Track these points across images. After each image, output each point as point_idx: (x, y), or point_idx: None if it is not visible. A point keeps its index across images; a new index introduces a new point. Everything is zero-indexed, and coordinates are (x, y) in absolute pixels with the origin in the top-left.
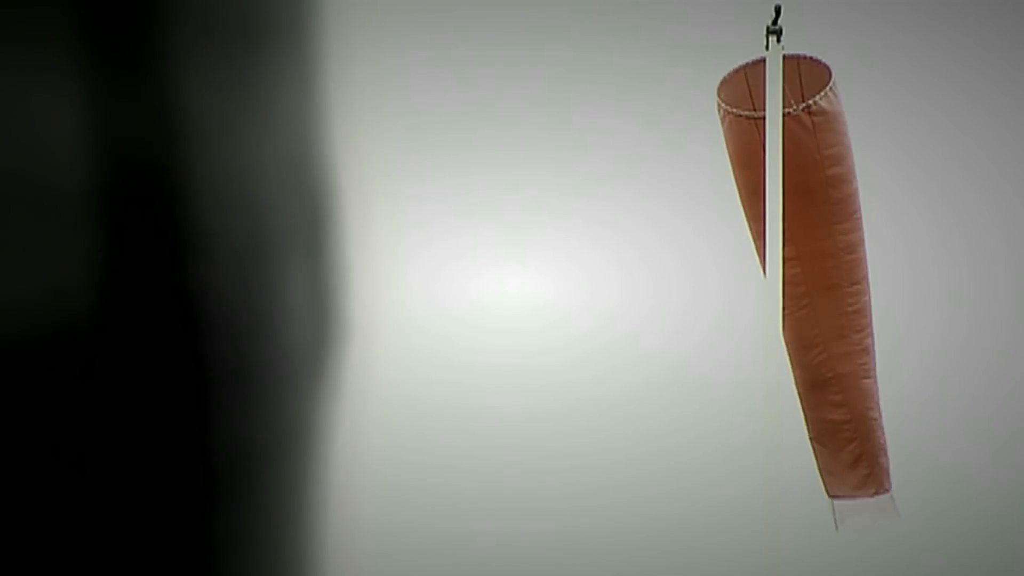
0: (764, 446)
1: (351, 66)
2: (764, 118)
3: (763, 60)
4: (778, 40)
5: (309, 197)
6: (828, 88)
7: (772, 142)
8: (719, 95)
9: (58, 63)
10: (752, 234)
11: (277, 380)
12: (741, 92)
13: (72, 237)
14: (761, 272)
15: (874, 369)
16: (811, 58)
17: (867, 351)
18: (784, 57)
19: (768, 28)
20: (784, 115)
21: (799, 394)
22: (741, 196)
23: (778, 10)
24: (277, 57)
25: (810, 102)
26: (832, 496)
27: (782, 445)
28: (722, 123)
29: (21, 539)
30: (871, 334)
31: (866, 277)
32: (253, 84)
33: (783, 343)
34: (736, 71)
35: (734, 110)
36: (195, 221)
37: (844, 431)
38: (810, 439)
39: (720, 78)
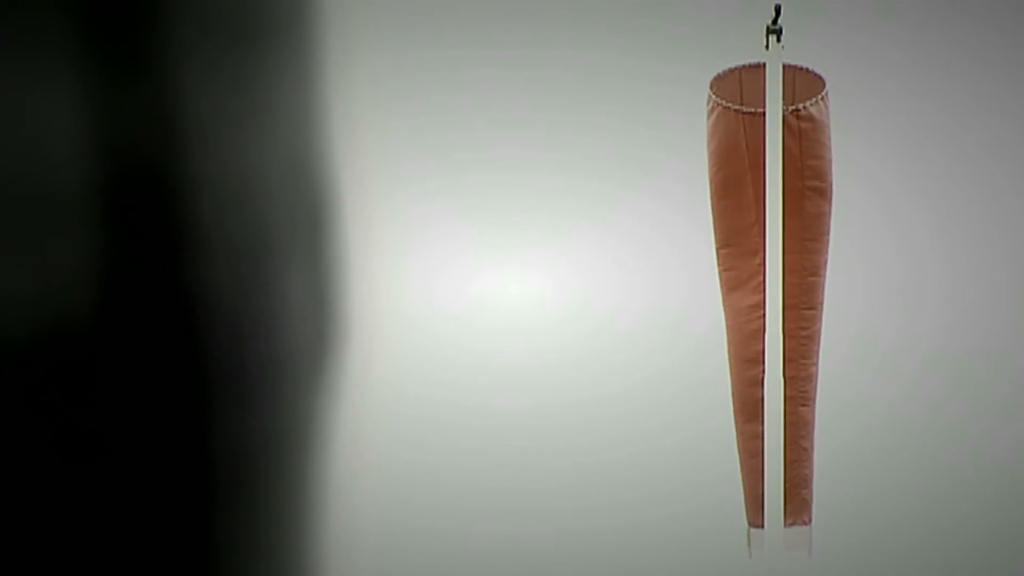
0: (764, 446)
1: (351, 66)
2: (754, 113)
3: (759, 64)
4: (778, 40)
5: (309, 197)
6: (820, 97)
7: (772, 141)
8: (710, 88)
9: (58, 63)
10: (715, 237)
11: (277, 380)
12: (733, 90)
13: (71, 237)
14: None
15: (814, 399)
16: (808, 70)
17: (811, 379)
18: (783, 66)
19: (768, 28)
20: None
21: (734, 412)
22: (712, 194)
23: (778, 10)
24: (277, 57)
25: (800, 106)
26: (750, 524)
27: (782, 445)
28: (708, 116)
29: (21, 539)
30: (817, 362)
31: (822, 303)
32: (253, 84)
33: (782, 343)
34: (731, 70)
35: (724, 103)
36: (195, 221)
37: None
38: (739, 458)
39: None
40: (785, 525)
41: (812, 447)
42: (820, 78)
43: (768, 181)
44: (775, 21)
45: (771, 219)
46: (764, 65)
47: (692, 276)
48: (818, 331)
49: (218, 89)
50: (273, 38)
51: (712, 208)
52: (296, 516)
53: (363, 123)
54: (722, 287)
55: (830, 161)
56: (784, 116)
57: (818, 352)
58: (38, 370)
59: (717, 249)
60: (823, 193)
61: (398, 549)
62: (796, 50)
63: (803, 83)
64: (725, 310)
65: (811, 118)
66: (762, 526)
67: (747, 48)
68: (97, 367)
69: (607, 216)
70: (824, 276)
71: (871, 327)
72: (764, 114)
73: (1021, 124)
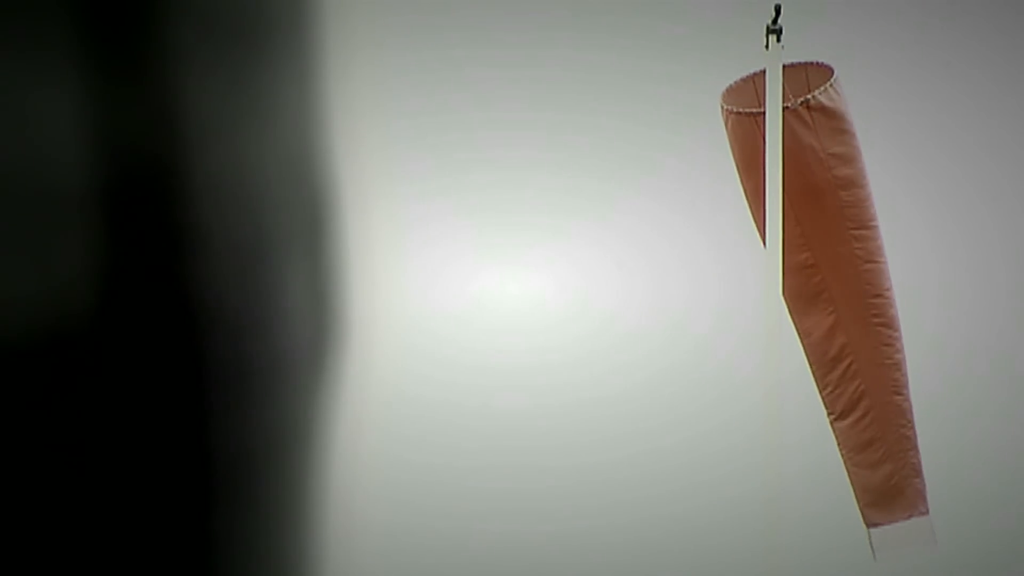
0: (764, 446)
1: (351, 66)
2: (765, 113)
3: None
4: (778, 39)
5: (309, 197)
6: (829, 84)
7: (772, 138)
8: (723, 100)
9: (58, 63)
10: (760, 235)
11: (277, 380)
12: (750, 99)
13: (71, 237)
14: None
15: (907, 386)
16: (819, 63)
17: (898, 366)
18: (793, 64)
19: (768, 27)
20: (783, 109)
21: (829, 414)
22: (749, 202)
23: (778, 9)
24: (277, 57)
25: (808, 97)
26: (869, 525)
27: (782, 445)
28: (726, 126)
29: (21, 539)
30: (901, 349)
31: (890, 289)
32: (253, 84)
33: (781, 343)
34: (744, 80)
35: (735, 108)
36: (195, 221)
37: (875, 449)
38: (843, 459)
39: (720, 77)
40: (904, 518)
41: (915, 435)
42: (829, 68)
43: (768, 179)
44: (775, 21)
45: (771, 218)
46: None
47: (692, 276)
48: (894, 317)
49: (218, 89)
50: (273, 38)
51: (751, 213)
52: (296, 516)
53: (363, 123)
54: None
55: (856, 147)
56: (795, 110)
57: (900, 339)
58: (38, 370)
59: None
60: (855, 180)
61: (398, 549)
62: (797, 49)
63: (816, 76)
64: (791, 312)
65: (822, 107)
66: (880, 524)
67: (747, 48)
68: (97, 367)
69: (607, 216)
70: (884, 262)
71: None
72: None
73: (1021, 124)
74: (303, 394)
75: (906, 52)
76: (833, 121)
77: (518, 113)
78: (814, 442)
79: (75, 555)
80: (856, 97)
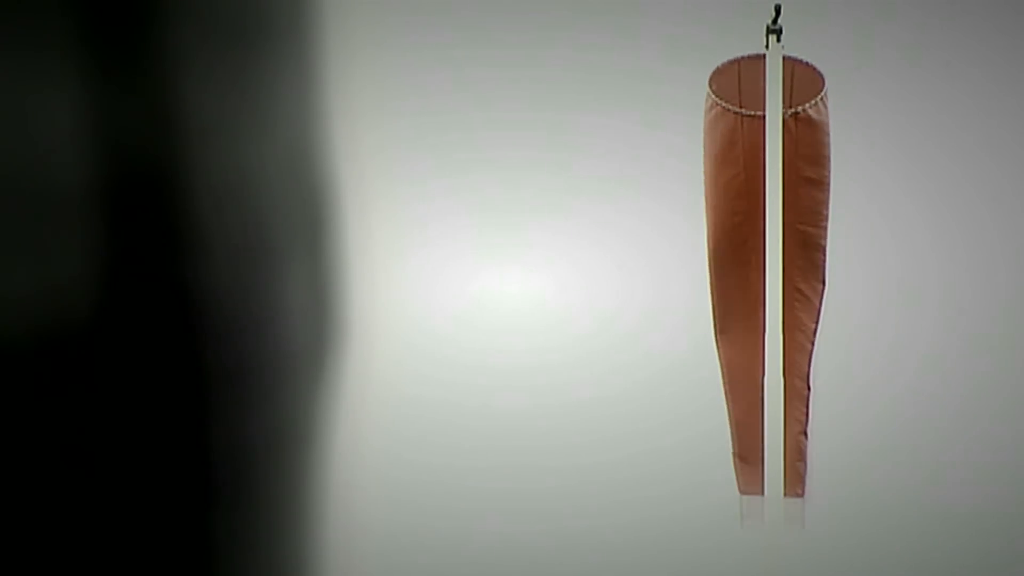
0: (763, 446)
1: (351, 66)
2: (753, 116)
3: (759, 56)
4: (778, 39)
5: (309, 197)
6: (819, 98)
7: (772, 144)
8: (710, 84)
9: (58, 63)
10: (708, 228)
11: (277, 380)
12: (731, 85)
13: (71, 237)
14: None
15: (809, 376)
16: (807, 64)
17: (806, 354)
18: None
19: (768, 27)
20: (766, 117)
21: (723, 375)
22: (707, 188)
23: (778, 9)
24: (277, 57)
25: (798, 109)
26: (742, 492)
27: (782, 445)
28: (707, 113)
29: (20, 539)
30: (813, 341)
31: (822, 282)
32: (252, 84)
33: (782, 343)
34: (731, 62)
35: (723, 104)
36: (195, 221)
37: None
38: (730, 424)
39: None
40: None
41: (806, 422)
42: (819, 75)
43: (768, 185)
44: (775, 21)
45: (771, 219)
46: (763, 57)
47: (692, 276)
48: (817, 310)
49: (218, 89)
50: (273, 38)
51: (706, 201)
52: (296, 516)
53: (363, 123)
54: (711, 274)
55: (826, 156)
56: (784, 119)
57: (815, 333)
58: (38, 370)
59: (710, 244)
60: (815, 181)
61: (398, 549)
62: (796, 50)
63: (801, 77)
64: (716, 301)
65: (808, 120)
66: (755, 493)
67: (747, 48)
68: (97, 367)
69: (607, 216)
70: (820, 261)
71: (871, 327)
72: (763, 117)
73: (1021, 124)
74: (303, 394)
75: (906, 52)
76: (812, 130)
77: (518, 113)
78: (814, 442)
79: (74, 555)
80: (856, 97)
